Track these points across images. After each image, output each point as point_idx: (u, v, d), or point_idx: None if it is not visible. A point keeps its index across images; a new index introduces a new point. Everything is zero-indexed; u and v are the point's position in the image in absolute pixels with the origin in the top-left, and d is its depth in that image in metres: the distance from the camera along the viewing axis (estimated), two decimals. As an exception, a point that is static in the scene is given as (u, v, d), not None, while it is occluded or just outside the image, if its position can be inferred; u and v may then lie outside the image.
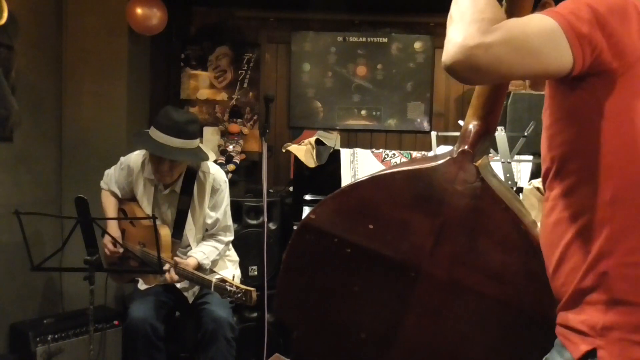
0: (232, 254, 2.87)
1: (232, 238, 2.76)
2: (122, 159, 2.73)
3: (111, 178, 2.71)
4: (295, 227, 3.12)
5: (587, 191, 1.00)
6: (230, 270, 2.73)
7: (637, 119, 0.98)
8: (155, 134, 2.44)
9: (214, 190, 2.65)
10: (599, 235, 0.98)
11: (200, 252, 2.57)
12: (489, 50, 0.92)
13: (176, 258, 2.48)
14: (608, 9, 0.98)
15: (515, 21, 0.95)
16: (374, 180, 1.40)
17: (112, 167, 2.74)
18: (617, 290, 0.96)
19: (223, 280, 2.32)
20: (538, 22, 0.96)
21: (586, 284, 0.99)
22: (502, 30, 0.93)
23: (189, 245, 2.64)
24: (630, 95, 0.98)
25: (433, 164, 1.35)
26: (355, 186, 1.44)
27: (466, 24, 0.95)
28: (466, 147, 1.32)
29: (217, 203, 2.66)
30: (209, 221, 2.65)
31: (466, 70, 0.95)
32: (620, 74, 0.97)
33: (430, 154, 2.62)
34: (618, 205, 0.97)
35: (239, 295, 2.27)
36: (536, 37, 0.94)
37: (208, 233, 2.69)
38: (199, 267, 2.52)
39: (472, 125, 1.33)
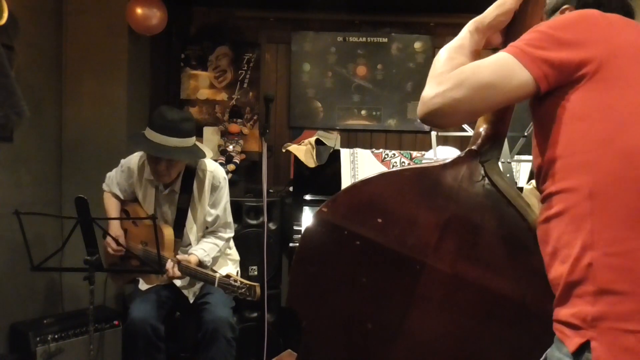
0: (233, 253, 2.87)
1: (232, 234, 2.76)
2: (122, 161, 2.73)
3: (113, 180, 2.72)
4: (295, 227, 3.17)
5: (568, 189, 1.05)
6: (230, 268, 2.74)
7: (607, 116, 1.03)
8: (150, 134, 2.44)
9: (214, 188, 2.65)
10: (582, 229, 1.01)
11: (201, 249, 2.58)
12: (445, 95, 1.10)
13: (178, 256, 2.49)
14: (562, 26, 1.09)
15: (468, 65, 1.12)
16: (385, 177, 1.46)
17: (114, 170, 2.75)
18: (603, 280, 0.98)
19: (227, 276, 2.32)
20: (490, 59, 1.10)
21: (574, 277, 1.02)
22: (454, 76, 1.10)
23: (190, 244, 2.65)
24: (601, 94, 1.04)
25: (441, 162, 1.40)
26: (367, 182, 1.48)
27: (431, 80, 1.14)
28: (474, 147, 1.37)
29: (217, 200, 2.66)
30: (209, 219, 2.66)
31: (434, 118, 1.14)
32: (589, 77, 1.04)
33: (430, 153, 2.63)
34: (596, 199, 1.01)
35: (243, 290, 2.27)
36: (488, 72, 1.08)
37: (208, 230, 2.69)
38: (200, 264, 2.53)
39: (482, 129, 1.39)
